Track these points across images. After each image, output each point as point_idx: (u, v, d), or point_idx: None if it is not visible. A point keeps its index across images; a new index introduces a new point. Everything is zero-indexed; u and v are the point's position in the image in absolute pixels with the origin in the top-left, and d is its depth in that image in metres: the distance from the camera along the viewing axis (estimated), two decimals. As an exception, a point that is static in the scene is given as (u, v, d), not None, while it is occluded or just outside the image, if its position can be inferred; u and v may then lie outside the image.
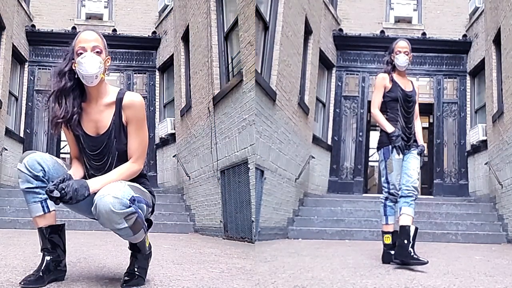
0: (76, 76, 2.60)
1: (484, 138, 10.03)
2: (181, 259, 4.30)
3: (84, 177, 2.67)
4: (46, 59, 11.86)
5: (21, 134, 11.50)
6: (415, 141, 4.41)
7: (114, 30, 11.95)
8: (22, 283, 2.52)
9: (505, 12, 8.60)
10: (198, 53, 8.93)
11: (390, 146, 4.26)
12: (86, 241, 5.74)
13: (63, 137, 13.48)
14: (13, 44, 10.68)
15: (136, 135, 2.65)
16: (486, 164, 9.70)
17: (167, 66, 11.72)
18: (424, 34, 11.49)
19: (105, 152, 2.65)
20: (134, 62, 12.09)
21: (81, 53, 2.57)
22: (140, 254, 2.76)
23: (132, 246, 2.76)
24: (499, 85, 9.22)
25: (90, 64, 2.54)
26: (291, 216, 8.52)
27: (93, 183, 2.47)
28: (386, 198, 4.39)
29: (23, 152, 11.08)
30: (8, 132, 10.60)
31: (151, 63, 12.24)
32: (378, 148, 4.40)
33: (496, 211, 8.91)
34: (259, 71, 6.85)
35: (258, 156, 6.60)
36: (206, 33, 8.41)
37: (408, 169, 4.26)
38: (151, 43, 12.15)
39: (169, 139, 11.08)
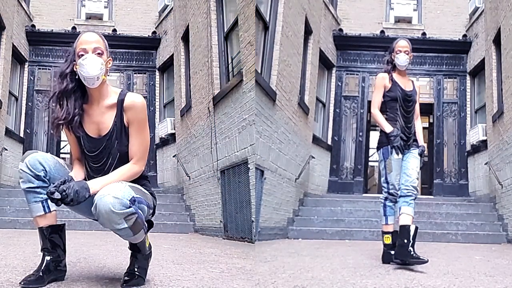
0: (77, 78, 2.59)
1: (484, 138, 10.03)
2: (181, 259, 4.30)
3: (85, 179, 2.67)
4: (46, 59, 11.86)
5: (21, 134, 11.50)
6: (415, 140, 4.39)
7: (114, 30, 11.95)
8: (22, 283, 2.52)
9: (505, 12, 8.60)
10: (198, 53, 8.93)
11: (389, 146, 4.25)
12: (86, 241, 5.74)
13: (63, 137, 13.51)
14: (13, 44, 10.68)
15: (137, 136, 2.65)
16: (486, 164, 9.70)
17: (167, 66, 11.72)
18: (424, 34, 11.49)
19: (104, 154, 2.65)
20: (134, 62, 12.10)
21: (82, 55, 2.57)
22: (140, 254, 2.76)
23: (132, 246, 2.76)
24: (499, 85, 9.22)
25: (92, 66, 2.54)
26: (291, 216, 8.52)
27: (93, 184, 2.47)
28: (386, 198, 4.39)
29: (23, 152, 11.12)
30: (8, 132, 10.60)
31: (151, 63, 12.24)
32: (378, 148, 4.40)
33: (496, 211, 8.91)
34: (259, 71, 6.85)
35: (258, 156, 6.60)
36: (206, 33, 8.41)
37: (407, 168, 4.25)
38: (151, 43, 12.15)
39: (169, 139, 11.08)
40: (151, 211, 2.72)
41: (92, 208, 2.40)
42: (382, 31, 11.55)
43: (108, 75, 2.66)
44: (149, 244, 2.85)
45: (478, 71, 10.97)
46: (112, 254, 4.37)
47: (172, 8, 11.28)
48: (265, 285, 3.05)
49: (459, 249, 6.64)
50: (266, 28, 7.33)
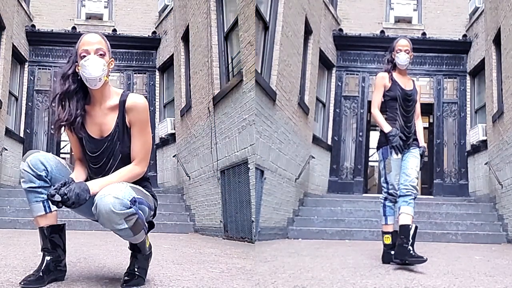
0: (79, 79, 2.59)
1: (484, 138, 10.03)
2: (181, 259, 4.30)
3: (87, 180, 2.66)
4: (46, 59, 11.86)
5: (21, 134, 11.50)
6: (415, 140, 4.36)
7: (114, 30, 11.95)
8: (22, 283, 2.52)
9: (505, 12, 8.60)
10: (198, 53, 8.93)
11: (388, 146, 4.24)
12: (86, 241, 5.75)
13: (63, 137, 13.52)
14: (13, 44, 10.68)
15: (139, 137, 2.64)
16: (486, 164, 9.70)
17: (167, 66, 11.72)
18: (424, 34, 11.49)
19: (107, 155, 2.65)
20: (134, 62, 12.10)
21: (84, 56, 2.56)
22: (140, 255, 2.76)
23: (133, 246, 2.76)
24: (499, 85, 9.22)
25: (94, 67, 2.53)
26: (291, 216, 8.52)
27: (93, 185, 2.47)
28: (385, 198, 4.39)
29: (23, 152, 11.14)
30: (8, 132, 10.60)
31: (151, 63, 12.24)
32: (378, 148, 4.38)
33: (496, 211, 8.91)
34: (259, 71, 6.85)
35: (258, 156, 6.60)
36: (206, 33, 8.41)
37: (407, 168, 4.21)
38: (151, 43, 12.15)
39: (169, 139, 11.08)
40: (152, 212, 2.71)
41: (93, 208, 2.40)
42: (382, 31, 11.55)
43: (109, 75, 2.65)
44: (149, 244, 2.85)
45: (478, 71, 10.97)
46: (112, 254, 4.37)
47: (172, 8, 11.28)
48: (265, 285, 3.05)
49: (459, 249, 6.64)
50: (266, 28, 7.33)
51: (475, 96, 11.36)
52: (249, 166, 6.65)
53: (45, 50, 11.86)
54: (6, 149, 10.24)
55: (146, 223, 2.59)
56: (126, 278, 2.70)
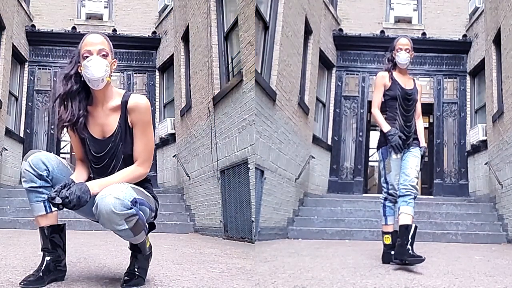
0: (82, 79, 2.59)
1: (484, 138, 10.03)
2: (181, 259, 4.30)
3: (88, 180, 2.66)
4: (46, 59, 11.86)
5: (21, 134, 11.50)
6: (416, 139, 4.32)
7: (114, 30, 11.96)
8: (22, 283, 2.52)
9: (505, 12, 8.60)
10: (198, 53, 8.93)
11: (388, 146, 4.21)
12: (86, 241, 5.75)
13: (63, 137, 13.48)
14: (13, 44, 10.68)
15: (142, 137, 2.64)
16: (486, 164, 9.70)
17: (167, 66, 11.72)
18: (424, 34, 11.49)
19: (109, 155, 2.65)
20: (134, 62, 12.10)
21: (87, 56, 2.56)
22: (140, 255, 2.76)
23: (133, 247, 2.76)
24: (499, 85, 9.22)
25: (96, 68, 2.53)
26: (291, 216, 8.52)
27: (94, 185, 2.47)
28: (385, 199, 4.37)
29: (23, 152, 11.15)
30: (8, 132, 10.60)
31: (151, 63, 12.24)
32: (378, 148, 4.36)
33: (496, 211, 8.91)
34: (259, 71, 6.85)
35: (258, 156, 6.60)
36: (206, 33, 8.41)
37: (406, 168, 4.18)
38: (151, 43, 12.15)
39: (169, 139, 11.08)
40: (153, 214, 2.70)
41: (93, 208, 2.39)
42: (382, 31, 11.55)
43: (111, 76, 2.65)
44: (150, 244, 2.85)
45: (478, 71, 10.97)
46: (112, 254, 4.37)
47: (172, 8, 11.28)
48: (265, 285, 3.05)
49: (459, 249, 6.63)
50: (266, 28, 7.33)
51: (475, 96, 11.36)
52: (249, 166, 6.65)
53: (45, 50, 11.86)
54: (6, 149, 10.24)
55: (146, 224, 2.58)
56: (126, 278, 2.70)
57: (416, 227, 4.03)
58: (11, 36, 10.48)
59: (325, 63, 11.09)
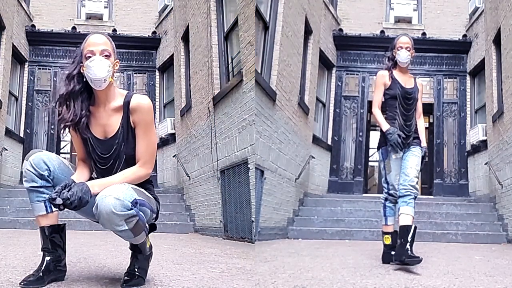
0: (84, 80, 2.59)
1: (484, 138, 10.03)
2: (181, 259, 4.30)
3: (89, 181, 2.65)
4: (46, 59, 11.86)
5: (21, 134, 11.50)
6: (416, 138, 4.28)
7: (114, 30, 11.96)
8: (22, 283, 2.52)
9: (505, 12, 8.60)
10: (198, 53, 8.93)
11: (387, 146, 4.18)
12: (86, 241, 5.75)
13: (63, 137, 13.43)
14: (13, 44, 10.69)
15: (144, 138, 2.63)
16: (486, 164, 9.70)
17: (167, 66, 11.72)
18: (424, 34, 11.49)
19: (114, 156, 2.65)
20: (134, 62, 12.10)
21: (89, 57, 2.56)
22: (141, 255, 2.76)
23: (133, 247, 2.76)
24: (499, 85, 9.22)
25: (99, 68, 2.53)
26: (291, 216, 8.52)
27: (94, 186, 2.46)
28: (386, 199, 4.34)
29: (23, 152, 11.15)
30: (8, 132, 10.60)
31: (151, 63, 12.24)
32: (378, 148, 4.34)
33: (496, 211, 8.91)
34: (259, 71, 6.85)
35: (258, 156, 6.60)
36: (206, 33, 8.41)
37: (406, 167, 4.13)
38: (151, 43, 12.15)
39: (169, 139, 11.08)
40: (154, 215, 2.70)
41: (93, 208, 2.39)
42: (382, 31, 11.55)
43: (114, 77, 2.65)
44: (150, 244, 2.84)
45: (478, 71, 10.97)
46: (112, 254, 4.37)
47: (172, 8, 11.28)
48: (265, 285, 3.05)
49: (459, 249, 6.63)
50: (266, 28, 7.33)
51: (475, 96, 11.36)
52: (249, 166, 6.65)
53: (45, 50, 11.86)
54: (6, 149, 10.24)
55: (147, 225, 2.58)
56: (126, 278, 2.70)
57: (415, 227, 4.00)
58: (11, 36, 10.48)
59: (325, 63, 11.09)
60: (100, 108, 2.65)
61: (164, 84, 12.19)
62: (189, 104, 9.54)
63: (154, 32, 12.25)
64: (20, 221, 8.30)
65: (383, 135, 4.21)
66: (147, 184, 2.72)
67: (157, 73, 12.22)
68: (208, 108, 8.30)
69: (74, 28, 11.89)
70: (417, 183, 4.12)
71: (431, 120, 11.79)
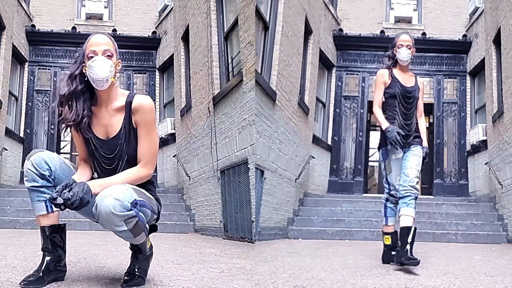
0: (86, 79, 2.59)
1: (484, 138, 10.03)
2: (181, 259, 4.30)
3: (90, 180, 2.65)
4: (46, 59, 11.86)
5: (21, 134, 11.50)
6: (417, 137, 4.24)
7: (114, 30, 11.96)
8: (22, 283, 2.52)
9: (505, 12, 8.61)
10: (198, 53, 8.93)
11: (388, 146, 4.14)
12: (86, 241, 5.75)
13: (63, 137, 13.45)
14: (13, 44, 10.69)
15: (146, 138, 2.63)
16: (486, 164, 9.70)
17: (167, 66, 11.72)
18: (424, 34, 11.49)
19: (116, 156, 2.65)
20: (134, 62, 12.10)
21: (92, 57, 2.56)
22: (141, 255, 2.75)
23: (133, 247, 2.75)
24: (499, 85, 9.22)
25: (101, 68, 2.53)
26: (291, 216, 8.52)
27: (95, 186, 2.46)
28: (387, 199, 4.30)
29: (23, 152, 11.14)
30: (8, 132, 10.60)
31: (151, 63, 12.24)
32: (379, 149, 4.30)
33: (496, 211, 8.91)
34: (259, 71, 6.85)
35: (258, 156, 6.60)
36: (206, 33, 8.41)
37: (406, 168, 4.08)
38: (151, 43, 12.15)
39: (169, 139, 11.08)
40: (155, 216, 2.70)
41: (93, 208, 2.39)
42: (382, 31, 11.56)
43: (117, 78, 2.65)
44: (151, 244, 2.84)
45: (478, 71, 10.97)
46: (112, 254, 4.37)
47: (172, 8, 11.28)
48: (265, 285, 3.04)
49: (459, 249, 6.63)
50: (266, 28, 7.33)
51: (475, 96, 11.36)
52: (249, 166, 6.65)
53: (45, 50, 11.86)
54: (6, 149, 10.24)
55: (147, 226, 2.57)
56: (126, 278, 2.69)
57: (415, 228, 3.95)
58: (11, 36, 10.48)
59: (325, 63, 11.09)
60: (102, 108, 2.65)
61: (164, 84, 12.19)
62: (189, 104, 9.54)
63: (154, 32, 12.25)
64: (20, 221, 8.30)
65: (383, 134, 4.15)
66: (148, 184, 2.72)
67: (157, 73, 12.22)
68: (208, 108, 8.30)
69: (74, 28, 11.89)
70: (417, 183, 4.07)
71: (431, 120, 11.79)
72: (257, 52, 6.85)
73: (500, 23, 8.85)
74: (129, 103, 2.62)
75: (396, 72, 4.26)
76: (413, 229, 3.93)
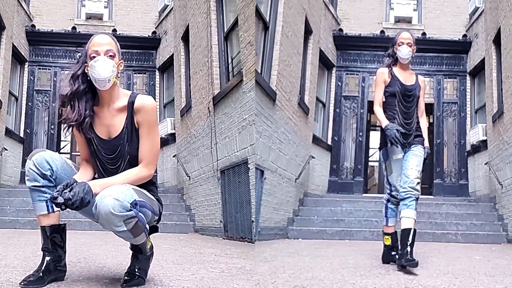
0: (88, 79, 2.59)
1: (484, 138, 10.03)
2: (181, 259, 4.30)
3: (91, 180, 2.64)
4: (46, 59, 11.86)
5: (21, 134, 11.50)
6: (417, 136, 4.18)
7: (114, 30, 11.96)
8: (22, 283, 2.52)
9: (505, 12, 8.60)
10: (198, 53, 8.93)
11: (388, 146, 4.08)
12: (86, 241, 5.75)
13: (63, 137, 13.43)
14: (13, 44, 10.69)
15: (147, 138, 2.63)
16: (486, 164, 9.70)
17: (167, 66, 11.72)
18: (424, 34, 11.49)
19: (118, 157, 2.65)
20: (134, 62, 12.10)
21: (94, 57, 2.56)
22: (141, 255, 2.75)
23: (134, 247, 2.75)
24: (499, 85, 9.22)
25: (103, 68, 2.53)
26: (291, 216, 8.52)
27: (96, 186, 2.45)
28: (388, 200, 4.25)
29: (23, 152, 11.15)
30: (8, 132, 10.60)
31: (151, 63, 12.24)
32: (380, 149, 4.25)
33: (496, 211, 8.91)
34: (259, 71, 6.85)
35: (258, 156, 6.60)
36: (206, 33, 8.41)
37: (406, 169, 4.04)
38: (151, 43, 12.15)
39: (169, 139, 11.08)
40: (156, 217, 2.69)
41: (93, 208, 2.39)
42: (382, 31, 11.56)
43: (119, 77, 2.65)
44: (151, 245, 2.83)
45: (478, 71, 10.97)
46: (112, 254, 4.37)
47: (172, 8, 11.28)
48: (265, 285, 3.04)
49: (459, 249, 6.63)
50: (266, 28, 7.33)
51: (475, 96, 11.36)
52: (249, 166, 6.65)
53: (45, 50, 11.86)
54: (6, 149, 10.24)
55: (147, 226, 2.56)
56: (126, 278, 2.69)
57: (415, 230, 3.91)
58: (11, 36, 10.48)
59: (325, 63, 11.09)
60: (104, 108, 2.65)
61: (164, 84, 12.20)
62: (189, 104, 9.54)
63: (154, 32, 12.25)
64: (20, 221, 8.30)
65: (384, 134, 4.07)
66: (150, 185, 2.72)
67: (157, 73, 12.22)
68: (208, 108, 8.30)
69: (74, 28, 11.89)
70: (418, 184, 4.01)
71: (431, 120, 11.78)
72: (257, 52, 6.85)
73: (500, 23, 8.85)
74: (131, 103, 2.62)
75: (396, 70, 4.21)
76: (412, 230, 3.90)
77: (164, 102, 12.06)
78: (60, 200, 2.34)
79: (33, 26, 11.77)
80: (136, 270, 2.73)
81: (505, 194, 8.55)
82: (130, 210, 2.37)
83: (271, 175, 7.32)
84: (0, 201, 9.17)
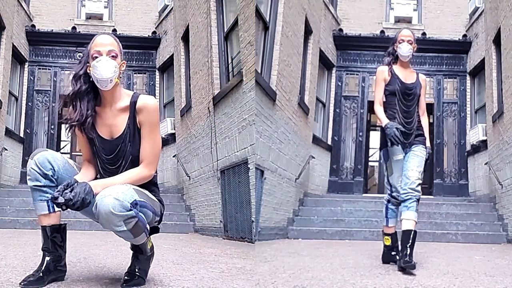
0: (91, 80, 2.59)
1: (484, 138, 10.02)
2: (181, 259, 4.30)
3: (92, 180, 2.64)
4: (46, 59, 11.86)
5: (21, 134, 11.50)
6: (418, 135, 4.14)
7: (114, 30, 11.95)
8: (22, 283, 2.52)
9: (505, 12, 8.60)
10: (198, 53, 8.93)
11: (388, 145, 4.01)
12: (86, 241, 5.74)
13: (63, 137, 13.42)
14: (13, 44, 10.68)
15: (149, 138, 2.63)
16: (486, 164, 9.70)
17: (167, 66, 11.72)
18: (424, 34, 11.49)
19: (119, 156, 2.65)
20: (134, 62, 12.09)
21: (96, 57, 2.57)
22: (141, 255, 2.75)
23: (134, 247, 2.75)
24: (499, 85, 9.22)
25: (105, 68, 2.54)
26: (291, 216, 8.52)
27: (97, 186, 2.45)
28: (388, 201, 4.22)
29: (23, 152, 11.15)
30: (8, 132, 10.60)
31: (151, 63, 12.24)
32: (380, 149, 4.21)
33: (496, 211, 8.91)
34: (259, 71, 6.85)
35: (258, 156, 6.60)
36: (206, 33, 8.41)
37: (407, 170, 4.00)
38: (151, 43, 12.15)
39: (169, 139, 11.08)
40: (157, 218, 2.69)
41: (93, 208, 2.39)
42: (382, 31, 11.55)
43: (121, 77, 2.65)
44: (152, 245, 2.83)
45: (478, 71, 10.97)
46: (112, 254, 4.37)
47: (172, 8, 11.28)
48: (265, 285, 3.05)
49: (459, 249, 6.64)
50: (266, 28, 7.33)
51: (475, 96, 11.36)
52: (249, 166, 6.65)
53: (45, 50, 11.85)
54: (6, 149, 10.24)
55: (148, 227, 2.56)
56: (126, 278, 2.70)
57: (415, 232, 3.88)
58: (11, 36, 10.48)
59: (325, 63, 11.09)
60: (106, 108, 2.65)
61: (164, 84, 12.19)
62: (189, 104, 9.54)
63: (154, 32, 12.25)
64: (20, 221, 8.30)
65: (384, 133, 4.01)
66: (151, 186, 2.72)
67: (157, 73, 12.22)
68: (208, 108, 8.30)
69: (74, 28, 11.89)
70: (419, 185, 3.97)
71: (431, 120, 11.77)
72: (257, 52, 6.85)
73: (500, 23, 8.85)
74: (133, 103, 2.62)
75: (396, 68, 4.17)
76: (412, 232, 3.86)
77: (164, 102, 12.06)
78: (61, 200, 2.34)
79: (33, 26, 11.77)
80: (136, 270, 2.73)
81: (505, 194, 8.55)
82: (130, 210, 2.36)
83: (271, 175, 7.32)
84: (0, 201, 9.17)
